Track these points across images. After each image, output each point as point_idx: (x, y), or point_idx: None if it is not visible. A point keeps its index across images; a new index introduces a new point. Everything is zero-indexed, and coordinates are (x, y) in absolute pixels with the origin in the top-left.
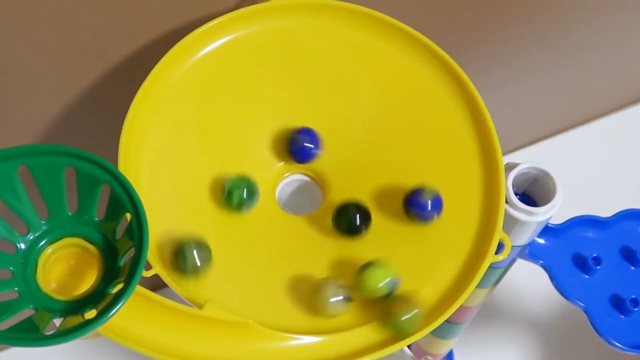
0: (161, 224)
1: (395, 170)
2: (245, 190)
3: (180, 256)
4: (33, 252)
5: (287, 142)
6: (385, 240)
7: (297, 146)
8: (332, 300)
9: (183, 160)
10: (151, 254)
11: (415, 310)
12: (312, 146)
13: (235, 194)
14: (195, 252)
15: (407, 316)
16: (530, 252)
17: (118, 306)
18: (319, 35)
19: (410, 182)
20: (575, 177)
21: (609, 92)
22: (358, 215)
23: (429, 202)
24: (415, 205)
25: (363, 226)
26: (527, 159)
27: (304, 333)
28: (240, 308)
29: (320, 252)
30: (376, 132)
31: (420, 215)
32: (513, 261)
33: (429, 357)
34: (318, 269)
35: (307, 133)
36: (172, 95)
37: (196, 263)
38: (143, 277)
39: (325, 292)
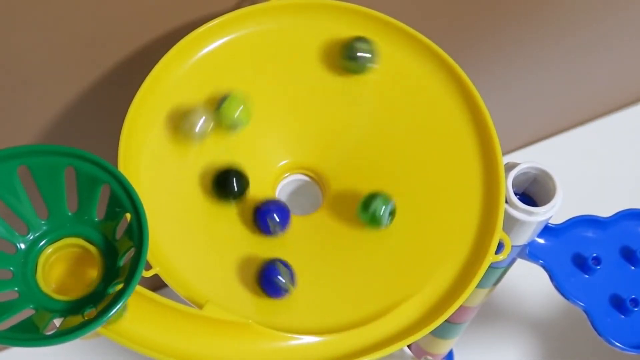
0: (161, 224)
1: (395, 170)
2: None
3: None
4: (33, 252)
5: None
6: (386, 239)
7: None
8: None
9: (183, 160)
10: (151, 254)
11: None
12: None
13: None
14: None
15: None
16: (530, 252)
17: (118, 306)
18: (319, 35)
19: (410, 181)
20: (575, 177)
21: (609, 92)
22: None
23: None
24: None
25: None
26: (527, 159)
27: (304, 333)
28: (240, 308)
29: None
30: (376, 132)
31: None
32: (513, 261)
33: (429, 357)
34: (318, 269)
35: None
36: (172, 95)
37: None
38: (143, 277)
39: None
